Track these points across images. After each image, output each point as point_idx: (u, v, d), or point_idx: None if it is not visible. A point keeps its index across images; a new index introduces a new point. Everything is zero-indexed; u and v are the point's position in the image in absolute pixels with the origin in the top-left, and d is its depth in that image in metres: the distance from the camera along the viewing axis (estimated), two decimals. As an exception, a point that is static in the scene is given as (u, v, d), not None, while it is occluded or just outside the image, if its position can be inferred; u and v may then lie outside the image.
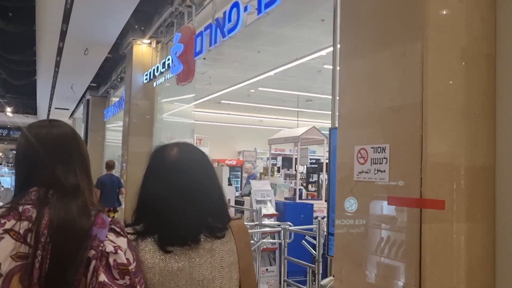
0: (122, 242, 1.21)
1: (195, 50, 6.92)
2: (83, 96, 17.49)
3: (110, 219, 1.24)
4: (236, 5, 5.50)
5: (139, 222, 1.40)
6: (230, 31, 5.68)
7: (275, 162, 16.10)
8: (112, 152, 16.42)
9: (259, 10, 4.96)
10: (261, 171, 10.68)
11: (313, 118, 17.26)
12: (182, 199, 1.38)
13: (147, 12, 8.91)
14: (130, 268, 1.17)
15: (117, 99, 13.48)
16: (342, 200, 2.67)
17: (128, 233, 1.31)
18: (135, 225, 1.40)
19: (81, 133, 19.43)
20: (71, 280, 1.11)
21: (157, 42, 9.91)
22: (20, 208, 1.17)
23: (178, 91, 10.31)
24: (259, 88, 12.64)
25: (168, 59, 8.33)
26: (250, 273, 1.50)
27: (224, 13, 5.82)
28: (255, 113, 19.44)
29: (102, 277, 1.13)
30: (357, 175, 2.57)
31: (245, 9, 5.32)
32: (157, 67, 8.96)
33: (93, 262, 1.14)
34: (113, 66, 13.14)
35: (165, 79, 9.01)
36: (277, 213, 6.10)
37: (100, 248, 1.15)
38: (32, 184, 1.22)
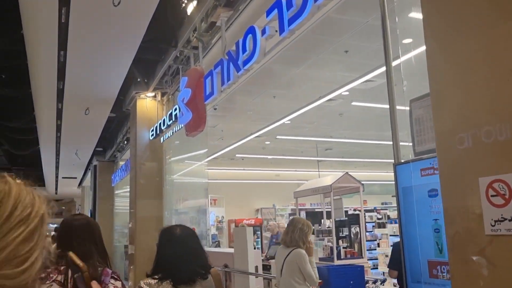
0: (118, 283, 2.19)
1: (205, 93, 5.99)
2: (90, 162, 16.65)
3: (111, 271, 2.21)
4: (251, 30, 4.59)
5: (157, 273, 2.40)
6: (245, 62, 4.74)
7: (298, 217, 14.81)
8: (122, 219, 15.33)
9: (281, 29, 4.01)
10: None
11: (332, 168, 16.10)
12: (185, 258, 2.43)
13: (149, 60, 8.11)
14: None
15: (124, 162, 12.56)
16: (463, 269, 1.56)
17: (154, 278, 2.36)
18: (154, 275, 2.40)
19: (90, 201, 18.43)
20: None
21: (163, 94, 9.07)
22: (59, 267, 2.11)
23: (188, 148, 9.37)
24: (277, 137, 11.60)
25: (175, 109, 7.42)
26: None
27: (237, 43, 4.91)
28: (271, 167, 18.37)
29: None
30: (493, 226, 1.47)
31: (263, 32, 4.39)
32: (164, 120, 8.04)
33: None
34: (118, 127, 12.32)
35: (173, 132, 8.05)
36: (320, 280, 4.89)
37: (105, 287, 2.11)
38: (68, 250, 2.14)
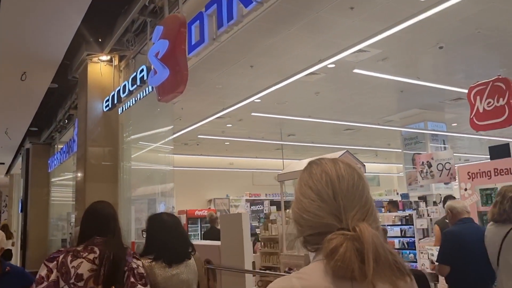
0: (139, 263, 2.52)
1: (189, 43, 4.70)
2: (21, 145, 14.56)
3: (132, 251, 2.57)
4: None
5: (150, 253, 2.71)
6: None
7: (261, 208, 13.70)
8: (58, 211, 13.50)
9: None
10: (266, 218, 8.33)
11: (297, 155, 15.13)
12: (176, 241, 2.76)
13: (106, 13, 6.62)
14: (145, 275, 2.48)
15: (66, 143, 10.84)
16: None
17: (148, 258, 2.67)
18: (147, 255, 2.71)
19: (20, 191, 16.28)
20: (119, 280, 2.38)
21: (121, 59, 7.59)
22: (89, 247, 2.45)
23: (149, 124, 8.00)
24: (252, 114, 10.40)
25: (141, 71, 6.03)
26: (203, 278, 3.09)
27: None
28: (227, 153, 17.14)
29: (131, 279, 2.41)
30: None
31: None
32: (124, 86, 6.61)
33: (127, 272, 2.42)
34: (59, 101, 10.57)
35: (136, 100, 6.64)
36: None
37: (130, 265, 2.45)
38: (94, 235, 2.52)
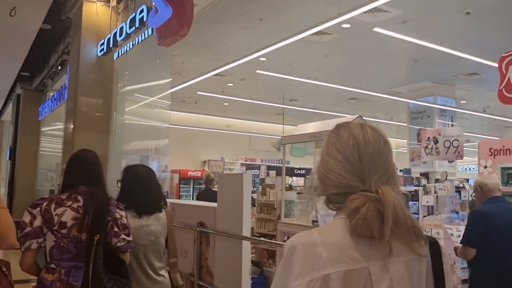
0: (123, 213, 2.47)
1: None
2: (12, 90, 13.95)
3: (115, 201, 2.52)
4: None
5: (122, 203, 2.57)
6: None
7: (258, 172, 13.29)
8: (48, 161, 13.04)
9: None
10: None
11: (297, 120, 14.61)
12: (148, 193, 2.84)
13: None
14: (128, 225, 2.45)
15: (58, 90, 10.26)
16: None
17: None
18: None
19: (10, 138, 15.75)
20: (102, 230, 2.33)
21: (119, 0, 6.96)
22: (73, 196, 2.42)
23: (148, 75, 7.46)
24: (257, 71, 9.82)
25: (141, 12, 5.45)
26: (173, 232, 3.00)
27: None
28: (226, 114, 16.61)
29: (115, 229, 2.37)
30: None
31: None
32: (121, 28, 6.02)
33: (110, 222, 2.38)
34: (52, 45, 9.93)
35: (133, 44, 6.07)
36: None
37: (114, 215, 2.41)
38: (78, 184, 2.47)
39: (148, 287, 2.71)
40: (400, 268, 1.05)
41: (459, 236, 3.63)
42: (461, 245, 3.44)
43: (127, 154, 7.75)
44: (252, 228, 4.31)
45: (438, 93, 11.83)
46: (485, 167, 5.22)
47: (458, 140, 9.79)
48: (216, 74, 10.66)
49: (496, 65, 8.36)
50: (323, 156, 1.19)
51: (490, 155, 5.18)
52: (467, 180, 12.17)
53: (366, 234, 1.03)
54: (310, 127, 6.40)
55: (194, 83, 10.98)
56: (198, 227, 4.74)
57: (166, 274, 2.86)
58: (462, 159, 10.78)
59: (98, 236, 2.30)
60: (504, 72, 5.31)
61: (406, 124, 13.00)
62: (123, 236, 2.38)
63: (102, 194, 2.47)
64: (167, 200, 3.07)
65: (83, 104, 7.00)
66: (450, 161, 11.61)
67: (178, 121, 16.19)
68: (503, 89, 5.31)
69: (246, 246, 4.15)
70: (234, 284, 4.16)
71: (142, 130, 8.07)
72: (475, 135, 17.75)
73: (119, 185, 2.85)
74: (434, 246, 1.14)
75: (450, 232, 3.67)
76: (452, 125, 12.04)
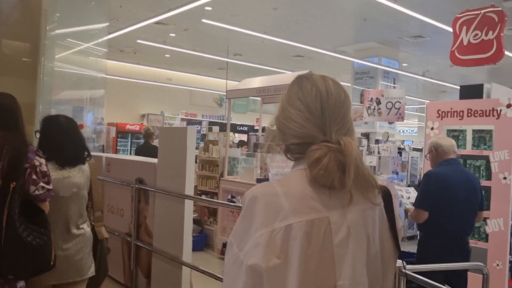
0: (42, 161, 2.31)
1: None
2: None
3: (35, 148, 2.34)
4: None
5: (43, 154, 2.40)
6: None
7: (199, 128, 12.90)
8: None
9: None
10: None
11: (239, 77, 14.25)
12: (71, 144, 2.71)
13: None
14: (48, 173, 2.32)
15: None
16: None
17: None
18: None
19: None
20: (19, 177, 2.18)
21: None
22: None
23: (81, 18, 6.74)
24: (202, 20, 9.24)
25: None
26: (97, 184, 2.87)
27: None
28: (167, 67, 15.88)
29: (33, 176, 2.24)
30: None
31: None
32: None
33: (28, 169, 2.23)
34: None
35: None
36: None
37: (32, 162, 2.25)
38: None
39: (67, 239, 2.61)
40: (357, 217, 1.07)
41: (409, 198, 3.54)
42: (412, 207, 3.35)
43: (58, 104, 7.08)
44: (195, 186, 4.02)
45: (383, 54, 11.86)
46: (432, 128, 5.19)
47: (400, 102, 9.90)
48: (157, 23, 9.98)
49: (443, 26, 8.43)
50: (283, 106, 1.17)
51: (437, 117, 5.14)
52: (403, 142, 12.54)
53: (327, 184, 1.04)
54: (256, 82, 6.09)
55: (133, 31, 10.24)
56: (136, 184, 4.39)
57: (87, 228, 2.75)
58: (403, 120, 10.99)
59: (15, 183, 2.15)
60: (458, 33, 5.23)
61: (349, 84, 13.03)
62: (42, 184, 2.27)
63: (20, 139, 2.31)
64: (104, 154, 2.82)
65: (5, 45, 6.23)
66: (390, 123, 11.82)
67: (116, 72, 15.32)
68: (455, 50, 5.24)
69: (189, 205, 3.87)
70: (174, 244, 3.90)
71: (75, 79, 7.42)
72: (412, 98, 18.27)
73: (37, 136, 2.71)
74: (387, 195, 1.17)
75: (400, 194, 3.57)
76: (394, 87, 12.18)
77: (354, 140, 1.12)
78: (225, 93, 7.28)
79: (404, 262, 1.43)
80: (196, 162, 7.93)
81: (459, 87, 14.66)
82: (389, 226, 1.17)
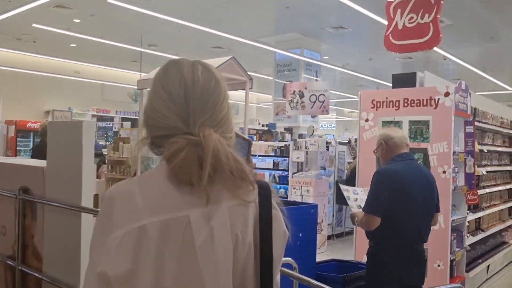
0: None
1: None
2: None
3: None
4: None
5: None
6: None
7: (111, 125, 11.78)
8: None
9: None
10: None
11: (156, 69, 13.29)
12: None
13: None
14: None
15: None
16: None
17: None
18: None
19: None
20: None
21: None
22: None
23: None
24: (92, 14, 8.21)
25: None
26: None
27: None
28: (74, 58, 14.45)
29: None
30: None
31: None
32: None
33: None
34: None
35: None
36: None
37: None
38: None
39: None
40: (222, 215, 0.99)
41: (356, 200, 3.03)
42: (360, 212, 2.83)
43: None
44: (96, 195, 3.22)
45: (305, 46, 11.55)
46: (367, 120, 4.78)
47: (324, 95, 9.60)
48: (58, 5, 8.81)
49: (368, 13, 8.16)
50: (150, 94, 1.08)
51: (372, 107, 4.74)
52: (325, 135, 12.37)
53: (185, 180, 0.97)
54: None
55: (27, 13, 8.91)
56: (20, 194, 3.49)
57: None
58: (327, 114, 10.74)
59: None
60: (392, 16, 4.85)
61: (271, 78, 12.60)
62: None
63: None
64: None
65: None
66: (313, 116, 11.55)
67: (13, 63, 13.72)
68: (390, 35, 4.86)
69: (87, 219, 3.07)
70: (70, 270, 3.09)
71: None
72: (331, 92, 18.34)
73: None
74: (264, 191, 1.06)
75: (347, 195, 3.05)
76: (317, 80, 11.93)
77: (230, 131, 1.06)
78: (138, 85, 6.44)
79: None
80: (105, 163, 7.02)
81: (376, 80, 14.77)
82: (263, 227, 1.05)
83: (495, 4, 8.31)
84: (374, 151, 2.96)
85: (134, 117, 16.16)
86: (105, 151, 7.88)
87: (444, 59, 12.11)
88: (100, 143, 10.63)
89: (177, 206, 0.96)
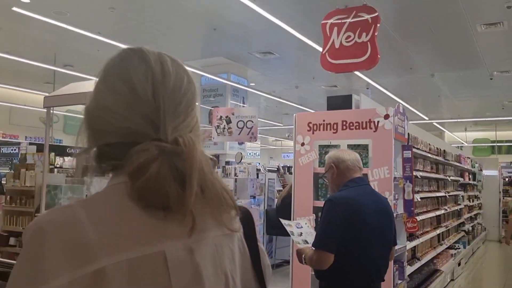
0: None
1: None
2: None
3: None
4: None
5: None
6: None
7: (16, 151, 10.60)
8: None
9: None
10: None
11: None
12: None
13: None
14: None
15: None
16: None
17: None
18: None
19: None
20: None
21: None
22: None
23: None
24: (13, 8, 7.29)
25: None
26: None
27: None
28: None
29: None
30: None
31: None
32: None
33: None
34: None
35: None
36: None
37: None
38: None
39: None
40: (209, 248, 0.77)
41: (301, 234, 2.61)
42: (309, 248, 2.41)
43: None
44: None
45: (232, 71, 11.28)
46: (303, 144, 4.45)
47: (252, 121, 9.29)
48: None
49: (297, 34, 7.92)
50: (97, 87, 0.80)
51: (308, 130, 4.42)
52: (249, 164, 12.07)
53: (158, 203, 0.71)
54: (87, 86, 4.71)
55: None
56: None
57: None
58: (256, 140, 10.43)
59: None
60: (328, 35, 4.63)
61: (197, 104, 12.13)
62: None
63: None
64: None
65: None
66: (240, 143, 11.20)
67: None
68: (326, 54, 4.62)
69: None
70: None
71: None
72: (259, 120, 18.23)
73: None
74: (247, 218, 0.86)
75: (290, 230, 2.61)
76: (244, 107, 11.66)
77: (201, 144, 0.77)
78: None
79: None
80: (4, 193, 6.09)
81: (302, 107, 14.75)
82: (252, 261, 0.85)
83: (411, 36, 8.55)
84: (322, 176, 2.58)
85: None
86: (4, 180, 6.89)
87: (367, 88, 12.37)
88: (2, 171, 9.45)
89: (147, 238, 0.71)
